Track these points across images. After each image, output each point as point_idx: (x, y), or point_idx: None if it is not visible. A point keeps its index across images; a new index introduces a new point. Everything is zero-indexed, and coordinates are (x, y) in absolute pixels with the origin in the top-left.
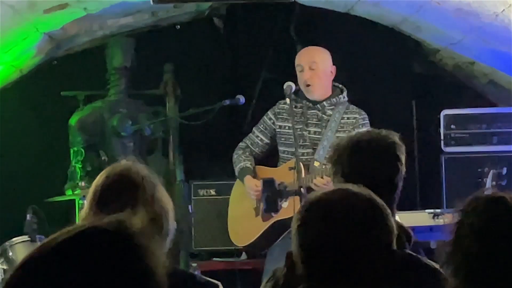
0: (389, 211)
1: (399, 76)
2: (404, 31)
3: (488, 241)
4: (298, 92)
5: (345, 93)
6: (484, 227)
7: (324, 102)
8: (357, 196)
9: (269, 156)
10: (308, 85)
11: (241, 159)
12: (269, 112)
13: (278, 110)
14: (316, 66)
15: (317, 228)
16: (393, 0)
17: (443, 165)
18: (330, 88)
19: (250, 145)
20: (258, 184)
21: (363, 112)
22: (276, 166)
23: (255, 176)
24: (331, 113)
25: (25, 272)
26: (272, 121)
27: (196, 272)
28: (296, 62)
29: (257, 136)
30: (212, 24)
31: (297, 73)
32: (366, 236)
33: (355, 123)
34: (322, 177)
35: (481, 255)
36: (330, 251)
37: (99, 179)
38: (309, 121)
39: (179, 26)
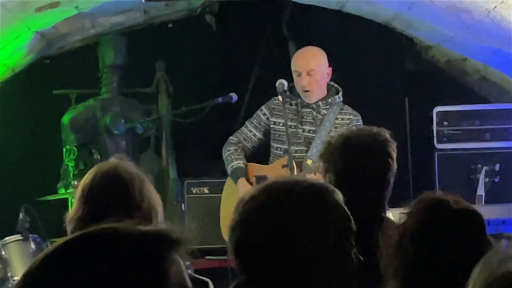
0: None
1: (391, 73)
2: (396, 28)
3: (423, 245)
4: (292, 89)
5: (340, 94)
6: (421, 230)
7: (320, 102)
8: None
9: (257, 151)
10: (306, 91)
11: (233, 157)
12: (263, 107)
13: (273, 106)
14: (313, 73)
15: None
16: None
17: (436, 162)
18: (325, 88)
19: (242, 140)
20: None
21: (357, 113)
22: (265, 161)
23: (247, 175)
24: (325, 112)
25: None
26: (266, 116)
27: (189, 270)
28: (293, 67)
29: (250, 131)
30: (204, 21)
31: (294, 77)
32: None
33: (348, 123)
34: (314, 174)
35: (417, 259)
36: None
37: (87, 177)
38: (303, 120)
39: (171, 24)
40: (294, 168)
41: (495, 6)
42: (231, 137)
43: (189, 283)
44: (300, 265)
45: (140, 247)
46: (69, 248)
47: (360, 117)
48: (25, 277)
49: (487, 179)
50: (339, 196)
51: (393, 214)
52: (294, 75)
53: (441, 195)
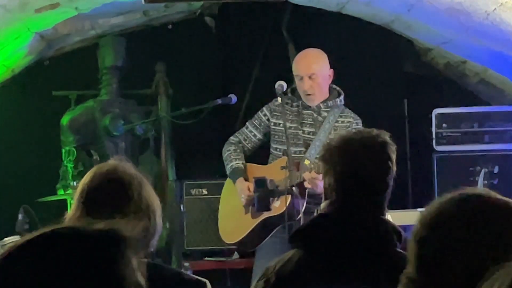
0: None
1: (391, 75)
2: (396, 30)
3: (436, 231)
4: (295, 91)
5: (342, 97)
6: (435, 217)
7: (321, 104)
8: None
9: (258, 151)
10: (308, 95)
11: (232, 157)
12: (264, 108)
13: (274, 107)
14: (315, 76)
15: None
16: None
17: (435, 164)
18: (327, 90)
19: (242, 140)
20: (251, 188)
21: (358, 117)
22: (263, 161)
23: (246, 176)
24: (326, 115)
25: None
26: (267, 117)
27: (188, 272)
28: (294, 71)
29: (251, 131)
30: (204, 23)
31: (296, 80)
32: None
33: (348, 126)
34: (312, 174)
35: (430, 244)
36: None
37: (86, 178)
38: (304, 121)
39: (170, 26)
40: (294, 169)
41: (495, 9)
42: (231, 137)
43: (142, 281)
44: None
45: (94, 245)
46: (26, 247)
47: (360, 121)
48: None
49: (486, 182)
50: None
51: (392, 216)
52: (296, 79)
53: (469, 191)
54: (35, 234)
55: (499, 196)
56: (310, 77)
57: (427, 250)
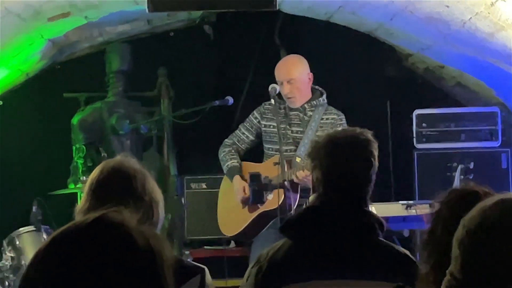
0: None
1: (374, 78)
2: (379, 37)
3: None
4: (281, 95)
5: (324, 96)
6: (453, 218)
7: (305, 105)
8: None
9: (251, 151)
10: (289, 98)
11: (227, 158)
12: (254, 112)
13: (264, 110)
14: (294, 81)
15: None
16: (370, 8)
17: (415, 160)
18: (309, 92)
19: (236, 142)
20: (246, 187)
21: (341, 113)
22: (258, 161)
23: (241, 173)
24: (311, 114)
25: (36, 259)
26: (257, 120)
27: (188, 259)
28: (276, 77)
29: (243, 133)
30: (202, 31)
31: (278, 85)
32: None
33: (333, 123)
34: (303, 171)
35: (448, 247)
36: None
37: (94, 173)
38: (291, 121)
39: (172, 33)
40: (285, 166)
41: (470, 18)
42: (226, 140)
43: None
44: None
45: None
46: (62, 236)
47: (343, 116)
48: (33, 257)
49: (462, 177)
50: None
51: (375, 208)
52: (278, 83)
53: (473, 187)
54: (69, 225)
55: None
56: (288, 82)
57: (472, 254)
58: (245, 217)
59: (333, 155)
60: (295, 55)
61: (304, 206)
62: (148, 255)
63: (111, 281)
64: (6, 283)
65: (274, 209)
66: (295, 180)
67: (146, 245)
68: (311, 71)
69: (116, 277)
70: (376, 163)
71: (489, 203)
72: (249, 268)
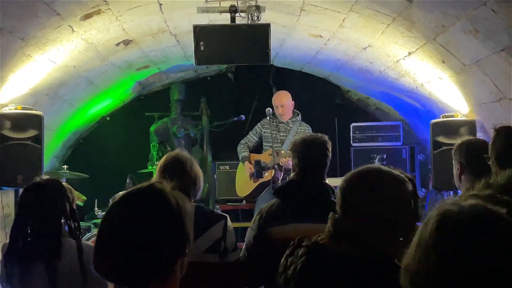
0: None
1: (328, 105)
2: (331, 81)
3: (347, 187)
4: (274, 113)
5: (300, 115)
6: (349, 180)
7: (288, 120)
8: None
9: (255, 147)
10: (281, 115)
11: (242, 151)
12: (258, 124)
13: (263, 123)
14: (284, 106)
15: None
16: (325, 63)
17: (352, 153)
18: (291, 113)
19: (247, 142)
20: (252, 167)
21: (309, 126)
22: (260, 153)
23: (250, 160)
24: (292, 125)
25: (112, 208)
26: (259, 129)
27: (218, 210)
28: (273, 103)
29: (251, 137)
30: (227, 76)
31: (274, 108)
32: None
33: (304, 131)
34: (285, 158)
35: (348, 196)
36: None
37: (162, 160)
38: (280, 130)
39: (209, 78)
40: (275, 155)
41: (384, 69)
42: (241, 140)
43: (191, 209)
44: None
45: (160, 193)
46: (127, 195)
47: (310, 128)
48: (107, 211)
49: (379, 163)
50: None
51: (329, 181)
52: (274, 107)
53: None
54: (135, 187)
55: (389, 169)
56: (281, 106)
57: (346, 198)
58: (251, 186)
59: (304, 150)
60: (284, 90)
61: (287, 180)
62: (175, 208)
63: (153, 222)
64: None
65: (268, 181)
66: (281, 164)
67: (175, 202)
68: (294, 100)
69: (156, 220)
70: (329, 154)
71: (358, 169)
72: (254, 216)
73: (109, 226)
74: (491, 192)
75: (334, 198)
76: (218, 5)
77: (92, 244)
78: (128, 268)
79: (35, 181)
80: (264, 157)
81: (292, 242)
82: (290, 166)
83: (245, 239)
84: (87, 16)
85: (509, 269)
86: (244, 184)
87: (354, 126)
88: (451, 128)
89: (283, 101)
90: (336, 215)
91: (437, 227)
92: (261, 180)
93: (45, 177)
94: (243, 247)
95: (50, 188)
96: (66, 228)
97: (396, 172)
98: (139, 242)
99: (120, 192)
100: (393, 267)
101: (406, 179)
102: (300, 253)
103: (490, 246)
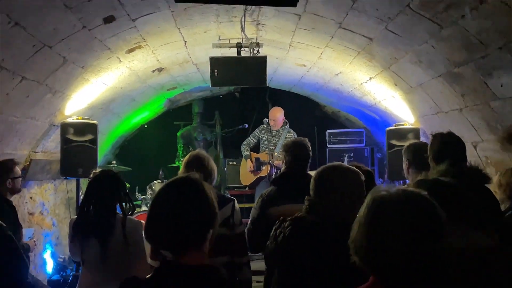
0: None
1: (310, 117)
2: (312, 98)
3: (319, 179)
4: (269, 123)
5: (288, 124)
6: (321, 172)
7: (279, 128)
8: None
9: (253, 148)
10: (273, 126)
11: (244, 150)
12: (256, 130)
13: (261, 129)
14: (276, 121)
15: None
16: (307, 85)
17: (327, 153)
18: (282, 122)
19: (248, 143)
20: (252, 164)
21: (295, 132)
22: (258, 153)
23: (251, 158)
24: (282, 132)
25: (160, 192)
26: (258, 133)
27: (227, 194)
28: (269, 115)
29: (251, 139)
30: (234, 95)
31: (269, 120)
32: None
33: (291, 136)
34: (277, 161)
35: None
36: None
37: (186, 157)
38: (273, 136)
39: (221, 96)
40: (270, 155)
41: (352, 90)
42: (244, 142)
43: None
44: None
45: (192, 181)
46: (171, 183)
47: (296, 134)
48: (158, 191)
49: (347, 160)
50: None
51: (310, 172)
52: (269, 119)
53: (355, 163)
54: (173, 178)
55: (348, 165)
56: (274, 120)
57: (319, 185)
58: (252, 177)
59: (293, 150)
60: (278, 107)
61: (279, 172)
62: (207, 193)
63: (192, 203)
64: (147, 206)
65: (265, 175)
66: (275, 164)
67: (207, 189)
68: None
69: (194, 201)
70: (310, 153)
71: (328, 165)
72: (257, 199)
73: (158, 205)
74: (434, 177)
75: None
76: (228, 42)
77: (135, 219)
78: (173, 236)
79: (98, 173)
80: (262, 156)
81: (278, 219)
82: (281, 166)
83: (250, 216)
84: (131, 50)
85: (421, 236)
86: (246, 176)
87: (329, 132)
88: (401, 133)
89: (276, 116)
90: (310, 197)
91: (368, 207)
92: (259, 174)
93: (99, 169)
94: (249, 222)
95: (109, 178)
96: (118, 208)
97: (353, 167)
98: (182, 217)
99: (155, 181)
100: (349, 230)
101: (360, 172)
102: (285, 225)
103: (406, 220)
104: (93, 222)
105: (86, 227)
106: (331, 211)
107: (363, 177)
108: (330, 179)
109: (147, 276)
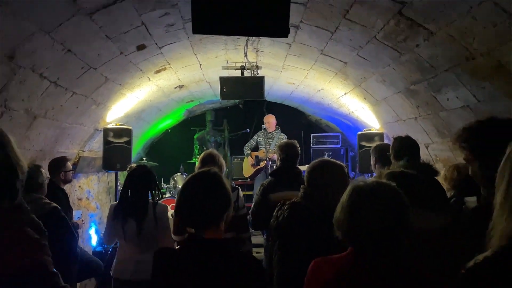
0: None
1: (297, 124)
2: (300, 109)
3: (312, 173)
4: (265, 128)
5: (280, 129)
6: (312, 167)
7: (273, 132)
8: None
9: (253, 148)
10: (268, 128)
11: (246, 150)
12: (255, 135)
13: (259, 134)
14: (269, 123)
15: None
16: (296, 99)
17: (311, 152)
18: (274, 127)
19: (249, 145)
20: (253, 159)
21: (285, 135)
22: (257, 151)
23: (251, 155)
24: (275, 135)
25: (187, 181)
26: (256, 137)
27: (233, 184)
28: (264, 120)
29: (251, 142)
30: (238, 106)
31: (264, 124)
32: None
33: (283, 138)
34: (272, 154)
35: (312, 177)
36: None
37: (201, 155)
38: (268, 137)
39: (228, 107)
40: (267, 152)
41: (331, 102)
42: (246, 144)
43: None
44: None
45: (209, 174)
46: (197, 174)
47: (286, 136)
48: (183, 184)
49: (328, 157)
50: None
51: (300, 167)
52: (264, 123)
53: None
54: (196, 172)
55: (334, 160)
56: (268, 123)
57: (311, 176)
58: (252, 170)
59: (285, 149)
60: (271, 114)
61: (274, 167)
62: (224, 184)
63: (213, 190)
64: (170, 193)
65: (262, 167)
66: (269, 157)
67: (224, 180)
68: (276, 119)
69: (214, 189)
70: (299, 152)
71: (315, 161)
72: (258, 187)
73: (188, 192)
74: (399, 169)
75: (303, 177)
76: (234, 65)
77: (163, 203)
78: (199, 216)
79: (134, 167)
80: (260, 153)
81: (279, 203)
82: (275, 158)
83: (253, 201)
84: (158, 71)
85: (390, 217)
86: (248, 169)
87: (312, 136)
88: (369, 137)
89: (269, 120)
90: (305, 186)
91: (348, 193)
92: (258, 167)
93: (134, 165)
94: (252, 205)
95: (142, 171)
96: (150, 195)
97: (338, 162)
98: (206, 201)
99: (176, 174)
100: (334, 212)
101: (344, 165)
102: (285, 208)
103: (378, 204)
104: (131, 206)
105: (126, 210)
106: (321, 198)
107: (346, 170)
108: (321, 172)
109: (177, 247)
